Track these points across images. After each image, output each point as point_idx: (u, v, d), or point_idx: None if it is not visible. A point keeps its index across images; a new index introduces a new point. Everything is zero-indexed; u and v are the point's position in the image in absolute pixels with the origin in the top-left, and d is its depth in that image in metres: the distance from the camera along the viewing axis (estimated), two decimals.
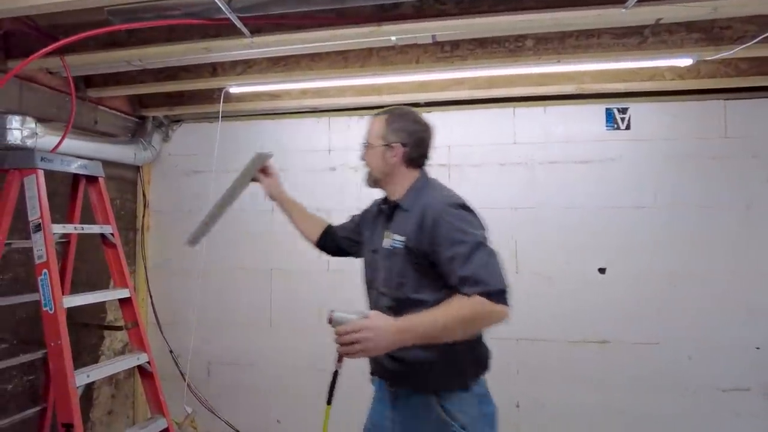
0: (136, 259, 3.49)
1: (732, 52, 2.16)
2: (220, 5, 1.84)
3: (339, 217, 3.24)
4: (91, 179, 2.37)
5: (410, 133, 1.63)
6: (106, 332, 3.17)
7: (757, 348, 2.77)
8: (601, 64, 2.43)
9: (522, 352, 2.99)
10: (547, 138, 3.05)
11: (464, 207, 1.50)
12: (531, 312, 2.92)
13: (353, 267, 3.30)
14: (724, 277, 2.82)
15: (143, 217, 3.48)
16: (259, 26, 2.15)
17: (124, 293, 2.28)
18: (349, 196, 3.25)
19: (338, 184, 3.29)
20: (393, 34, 2.08)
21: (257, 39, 2.14)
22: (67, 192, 2.52)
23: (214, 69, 2.77)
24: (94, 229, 2.28)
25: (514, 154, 3.07)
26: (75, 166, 2.28)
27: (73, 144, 2.75)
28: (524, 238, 3.02)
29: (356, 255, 1.92)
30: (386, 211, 1.68)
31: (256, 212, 3.37)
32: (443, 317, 1.31)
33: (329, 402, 1.46)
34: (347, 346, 1.28)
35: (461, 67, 2.46)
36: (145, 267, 3.47)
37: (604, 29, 2.34)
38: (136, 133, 3.38)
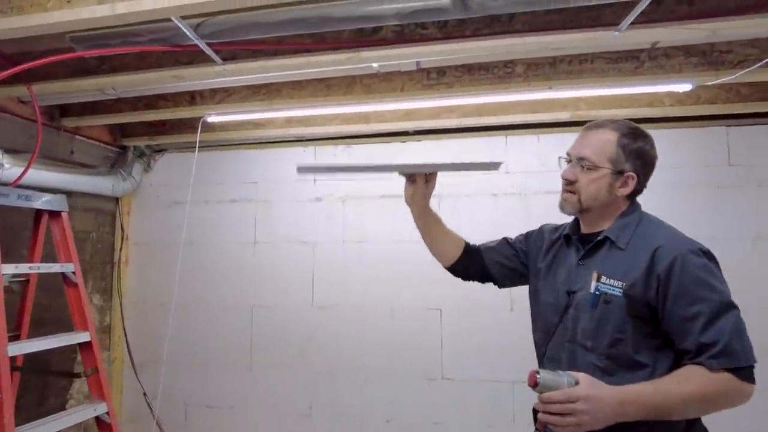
0: (112, 294, 3.32)
1: (733, 77, 2.04)
2: (185, 31, 1.73)
3: (324, 250, 3.12)
4: (55, 214, 2.23)
5: (646, 161, 1.32)
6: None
7: None
8: (595, 90, 2.31)
9: (519, 395, 2.78)
10: (542, 167, 2.92)
11: (709, 255, 1.22)
12: (530, 351, 2.72)
13: (339, 302, 3.18)
14: None
15: (120, 250, 3.33)
16: (233, 52, 2.05)
17: (84, 337, 2.11)
18: (336, 227, 3.12)
19: (324, 214, 3.15)
20: (373, 60, 1.97)
21: (230, 66, 2.03)
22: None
23: (192, 97, 2.66)
24: (54, 267, 2.12)
25: (508, 184, 2.94)
26: (36, 201, 2.14)
27: (45, 176, 2.64)
28: None
29: (502, 284, 1.64)
30: (577, 244, 1.37)
31: (238, 245, 3.23)
32: (679, 391, 1.09)
33: None
34: (557, 417, 1.06)
35: (447, 94, 2.34)
36: (121, 303, 3.30)
37: (598, 54, 2.22)
38: (117, 163, 3.27)
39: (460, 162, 1.38)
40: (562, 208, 1.38)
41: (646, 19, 1.76)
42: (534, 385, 1.08)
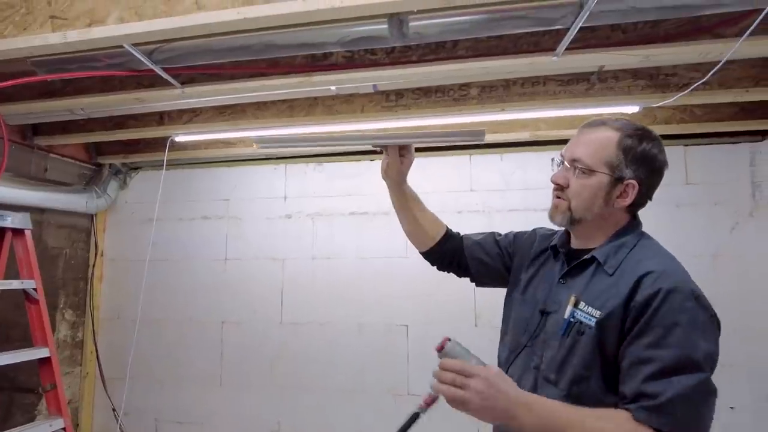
0: (85, 310, 3.35)
1: (673, 99, 2.11)
2: (140, 57, 1.80)
3: (293, 266, 3.16)
4: (18, 231, 2.27)
5: (653, 169, 1.13)
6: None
7: (732, 408, 2.59)
8: (546, 111, 2.38)
9: None
10: (505, 185, 2.97)
11: (701, 302, 1.01)
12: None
13: (308, 319, 3.20)
14: None
15: (94, 266, 3.37)
16: (192, 76, 2.12)
17: (44, 353, 2.14)
18: (305, 244, 3.16)
19: (294, 231, 3.19)
20: (324, 84, 2.04)
21: (188, 89, 2.10)
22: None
23: (161, 117, 2.73)
24: (14, 284, 2.16)
25: (472, 202, 2.99)
26: None
27: (14, 193, 2.68)
28: (484, 289, 2.88)
29: (479, 282, 1.46)
30: (563, 258, 1.21)
31: (209, 261, 3.27)
32: (590, 426, 0.93)
33: None
34: (447, 387, 0.94)
35: (405, 116, 2.40)
36: (93, 319, 3.32)
37: (550, 76, 2.30)
38: (92, 180, 3.32)
39: (438, 131, 1.15)
40: (551, 217, 1.20)
41: (583, 45, 1.84)
42: (440, 349, 1.01)
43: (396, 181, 1.42)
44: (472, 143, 1.16)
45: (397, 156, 1.37)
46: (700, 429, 0.94)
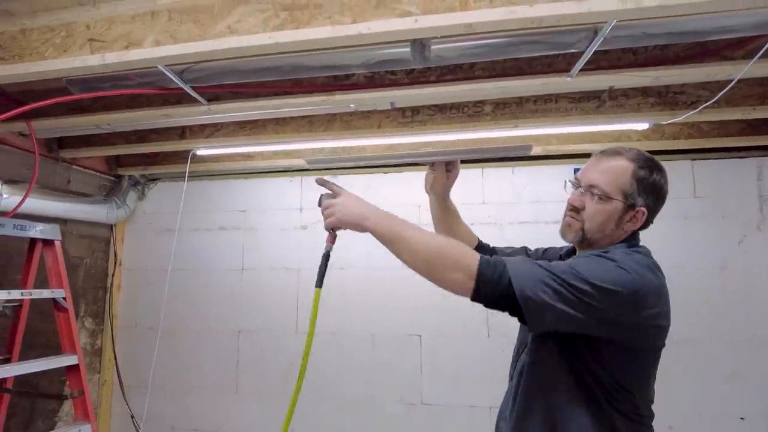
0: (104, 318, 3.42)
1: (683, 117, 2.17)
2: (171, 77, 1.89)
3: (308, 277, 3.23)
4: (48, 242, 2.35)
5: (659, 197, 1.23)
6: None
7: (742, 418, 2.62)
8: (558, 128, 2.45)
9: None
10: (516, 198, 3.04)
11: (639, 273, 1.08)
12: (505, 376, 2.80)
13: (322, 328, 3.25)
14: (703, 341, 2.72)
15: (113, 275, 3.44)
16: (217, 94, 2.21)
17: (72, 360, 2.21)
18: (320, 255, 3.21)
19: (309, 242, 3.27)
20: (346, 103, 2.12)
21: (214, 106, 2.18)
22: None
23: (183, 132, 2.81)
24: (45, 293, 2.24)
25: (484, 214, 3.06)
26: (30, 230, 2.27)
27: (40, 204, 2.77)
28: None
29: None
30: None
31: (225, 271, 3.34)
32: (412, 229, 1.18)
33: (320, 284, 1.39)
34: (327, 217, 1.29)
35: (421, 131, 2.48)
36: (112, 327, 3.40)
37: (561, 94, 2.37)
38: (112, 191, 3.41)
39: (484, 147, 1.27)
40: (563, 234, 1.27)
41: (595, 66, 1.91)
42: (319, 204, 1.35)
43: (441, 195, 1.54)
44: (519, 156, 1.33)
45: (444, 171, 1.49)
46: (524, 277, 1.05)
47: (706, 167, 2.87)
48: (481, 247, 1.58)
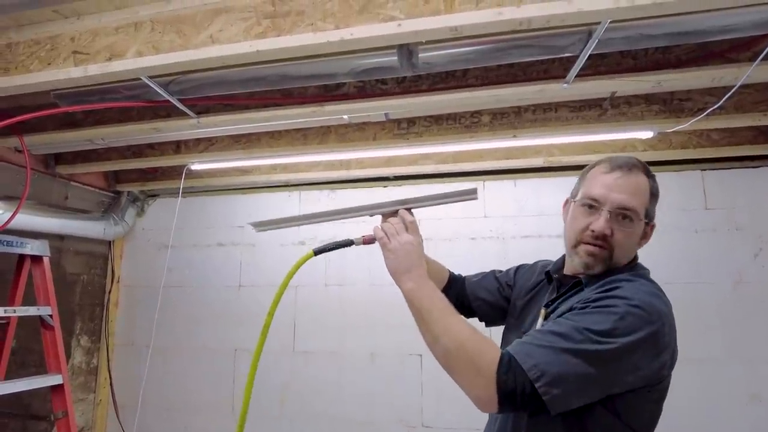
0: (101, 336, 3.37)
1: (688, 124, 2.08)
2: (156, 89, 1.85)
3: (306, 293, 3.16)
4: (36, 258, 2.32)
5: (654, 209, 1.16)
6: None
7: None
8: (558, 138, 2.36)
9: None
10: (518, 212, 2.95)
11: (653, 309, 0.97)
12: None
13: (319, 347, 3.17)
14: (719, 360, 2.57)
15: (110, 292, 3.40)
16: (207, 107, 2.17)
17: (57, 380, 2.15)
18: (318, 271, 3.16)
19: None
20: (336, 113, 2.07)
21: (204, 119, 2.15)
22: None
23: (178, 146, 2.79)
24: (30, 311, 2.19)
25: (486, 228, 2.97)
26: (17, 246, 2.24)
27: (36, 220, 2.75)
28: None
29: (486, 322, 1.44)
30: (555, 284, 1.22)
31: (223, 288, 3.28)
32: (445, 314, 1.04)
33: (318, 252, 1.23)
34: (384, 233, 1.17)
35: (417, 143, 2.42)
36: (107, 345, 3.34)
37: (562, 102, 2.29)
38: (110, 208, 3.39)
39: (430, 195, 1.15)
40: (589, 266, 1.11)
41: (593, 71, 1.84)
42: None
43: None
44: (466, 200, 1.22)
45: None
46: (556, 374, 0.91)
47: (717, 177, 2.76)
48: (454, 280, 1.48)
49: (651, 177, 1.13)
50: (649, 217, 1.12)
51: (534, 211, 2.92)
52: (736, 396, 2.53)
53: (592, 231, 1.09)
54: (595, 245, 1.10)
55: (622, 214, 1.08)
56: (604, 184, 1.11)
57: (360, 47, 1.49)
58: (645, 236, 1.13)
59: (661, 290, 1.07)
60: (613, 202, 1.08)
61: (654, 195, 1.12)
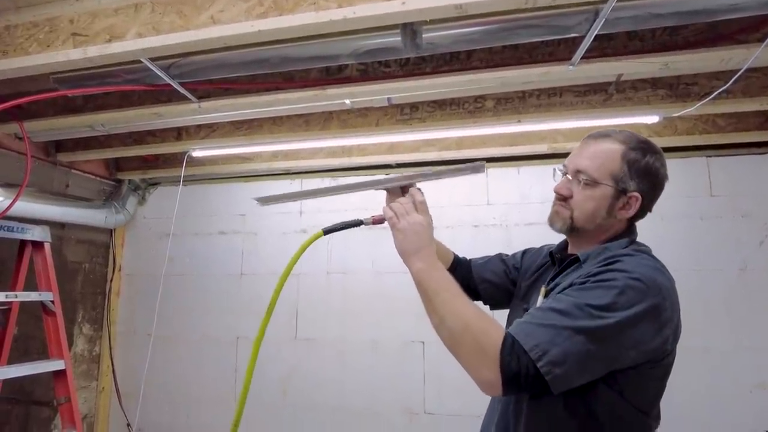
0: (103, 324, 3.37)
1: (695, 107, 2.05)
2: (157, 72, 1.83)
3: (308, 282, 3.15)
4: (37, 244, 2.31)
5: (655, 182, 1.12)
6: None
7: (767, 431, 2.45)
8: (563, 123, 2.34)
9: None
10: (522, 199, 2.93)
11: (654, 283, 0.98)
12: None
13: (322, 335, 3.17)
14: (724, 349, 2.56)
15: (112, 280, 3.40)
16: (208, 91, 2.15)
17: (59, 365, 2.15)
18: (320, 259, 3.15)
19: (309, 246, 3.17)
20: (339, 97, 2.04)
21: (205, 104, 2.13)
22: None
23: (179, 133, 2.76)
24: (32, 296, 2.19)
25: (489, 216, 2.95)
26: (18, 232, 2.23)
27: (37, 208, 2.74)
28: None
29: (491, 305, 1.44)
30: (557, 264, 1.23)
31: (225, 276, 3.28)
32: (452, 295, 1.03)
33: (327, 232, 1.22)
34: (394, 213, 1.14)
35: (420, 128, 2.40)
36: (109, 333, 3.34)
37: (566, 87, 2.27)
38: (111, 196, 3.38)
39: (437, 169, 1.11)
40: (552, 222, 1.19)
41: (600, 53, 1.81)
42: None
43: None
44: (473, 173, 1.19)
45: (401, 196, 1.31)
46: (559, 353, 0.91)
47: (723, 164, 2.73)
48: (458, 263, 1.47)
49: (630, 146, 1.12)
50: (623, 184, 1.10)
51: (538, 198, 2.90)
52: (741, 384, 2.52)
53: (554, 192, 1.18)
54: (558, 205, 1.18)
55: (578, 177, 1.13)
56: (572, 152, 1.19)
57: (363, 26, 1.47)
58: (625, 207, 1.12)
59: (664, 266, 1.07)
60: (570, 165, 1.16)
61: (632, 163, 1.10)
